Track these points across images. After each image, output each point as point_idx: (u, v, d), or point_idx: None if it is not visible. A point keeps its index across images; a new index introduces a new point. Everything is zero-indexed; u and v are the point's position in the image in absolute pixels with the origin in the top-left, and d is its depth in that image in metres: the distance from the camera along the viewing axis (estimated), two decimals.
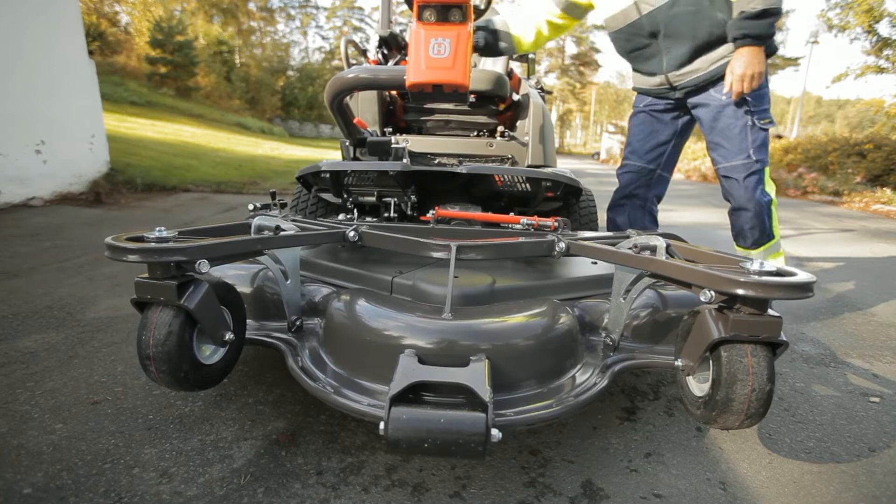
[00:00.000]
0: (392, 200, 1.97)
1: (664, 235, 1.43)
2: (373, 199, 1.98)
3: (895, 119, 12.90)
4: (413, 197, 1.96)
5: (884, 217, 6.76)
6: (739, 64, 1.69)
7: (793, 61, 29.94)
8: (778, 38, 1.78)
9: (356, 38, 2.54)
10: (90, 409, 1.34)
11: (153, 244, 1.00)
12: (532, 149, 2.16)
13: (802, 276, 0.89)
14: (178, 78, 20.80)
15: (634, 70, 2.10)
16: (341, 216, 1.81)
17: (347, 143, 2.02)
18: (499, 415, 0.94)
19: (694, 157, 16.72)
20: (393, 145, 1.88)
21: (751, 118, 1.82)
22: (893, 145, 8.69)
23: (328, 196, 2.16)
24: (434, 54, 1.86)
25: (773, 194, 1.92)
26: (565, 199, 2.11)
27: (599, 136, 45.26)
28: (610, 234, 1.40)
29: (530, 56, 2.92)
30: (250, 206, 1.67)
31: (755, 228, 1.91)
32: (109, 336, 1.82)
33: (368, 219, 2.10)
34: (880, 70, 14.76)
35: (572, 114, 51.70)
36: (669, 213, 6.04)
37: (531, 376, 1.08)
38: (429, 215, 1.63)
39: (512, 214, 1.68)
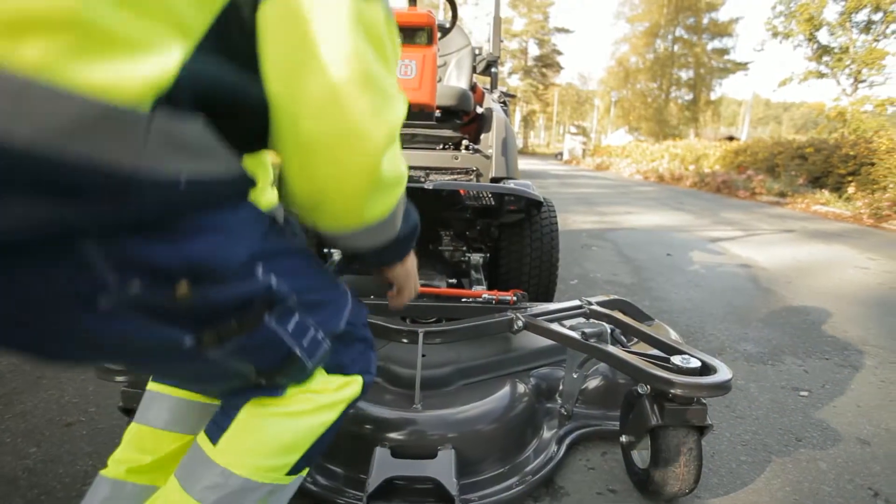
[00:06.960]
0: None
1: (614, 303, 1.58)
2: None
3: (834, 122, 13.74)
4: None
5: (822, 218, 7.24)
6: None
7: (742, 66, 31.46)
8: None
9: None
10: (64, 430, 1.35)
11: None
12: (495, 161, 2.26)
13: (722, 374, 1.06)
14: None
15: None
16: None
17: None
18: (465, 500, 1.06)
19: (652, 158, 17.36)
20: None
21: None
22: (831, 148, 9.26)
23: None
24: (401, 75, 1.93)
25: None
26: (527, 211, 2.21)
27: (562, 136, 46.16)
28: (564, 305, 1.54)
29: (493, 70, 3.01)
30: None
31: None
32: None
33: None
34: (821, 75, 15.74)
35: (535, 114, 52.55)
36: (628, 216, 6.29)
37: (495, 458, 1.18)
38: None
39: (475, 289, 1.76)
